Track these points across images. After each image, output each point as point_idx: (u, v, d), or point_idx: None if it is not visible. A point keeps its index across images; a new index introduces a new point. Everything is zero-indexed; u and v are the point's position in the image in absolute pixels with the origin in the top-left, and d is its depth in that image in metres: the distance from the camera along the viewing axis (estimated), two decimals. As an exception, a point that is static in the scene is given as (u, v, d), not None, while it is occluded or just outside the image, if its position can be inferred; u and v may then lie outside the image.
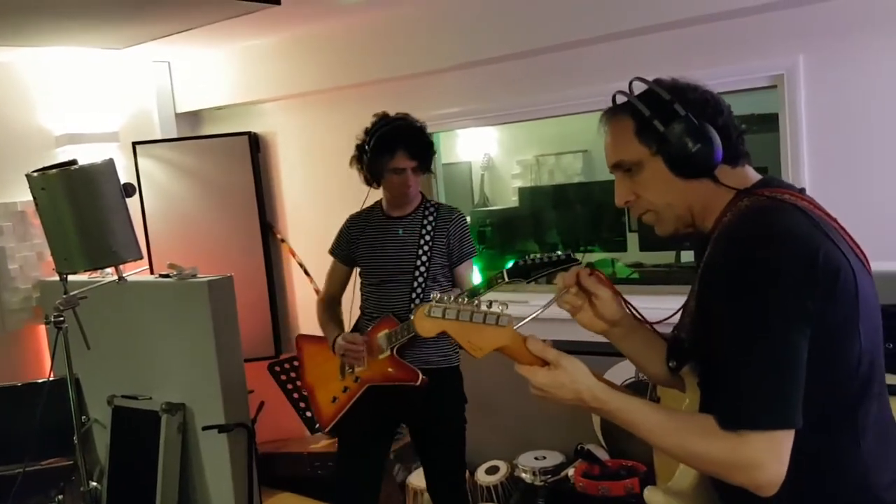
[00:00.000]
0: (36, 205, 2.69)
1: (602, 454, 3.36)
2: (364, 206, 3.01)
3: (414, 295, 2.78)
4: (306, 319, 4.81)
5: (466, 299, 1.28)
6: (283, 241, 4.84)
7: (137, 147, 4.64)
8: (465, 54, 3.78)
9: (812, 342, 1.16)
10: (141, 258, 2.82)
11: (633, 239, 4.53)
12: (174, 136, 4.86)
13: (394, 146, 2.72)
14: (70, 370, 2.78)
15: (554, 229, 4.96)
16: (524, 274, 2.51)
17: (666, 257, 4.62)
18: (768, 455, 1.15)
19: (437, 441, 2.91)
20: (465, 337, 1.27)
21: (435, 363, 2.81)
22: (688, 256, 4.57)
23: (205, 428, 3.34)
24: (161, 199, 4.70)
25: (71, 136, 4.44)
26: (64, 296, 2.71)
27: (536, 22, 3.52)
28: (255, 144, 4.75)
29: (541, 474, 3.55)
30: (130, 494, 3.55)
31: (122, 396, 3.70)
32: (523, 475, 3.61)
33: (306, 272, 4.71)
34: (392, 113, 2.87)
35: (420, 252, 2.78)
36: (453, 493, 2.96)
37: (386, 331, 2.78)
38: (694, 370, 1.36)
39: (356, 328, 2.94)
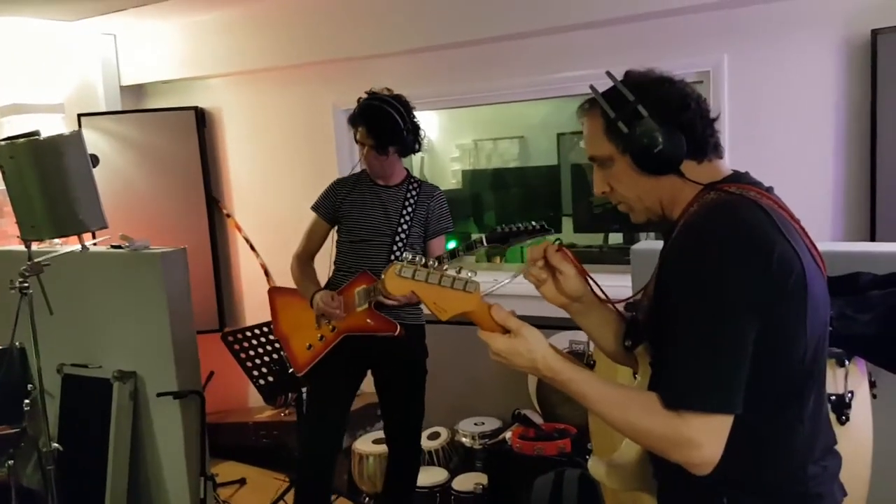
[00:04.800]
0: (3, 173, 2.74)
1: (537, 419, 3.61)
2: (353, 172, 3.20)
3: (392, 257, 2.98)
4: (251, 293, 4.91)
5: (437, 263, 1.34)
6: (228, 215, 4.91)
7: (83, 119, 4.63)
8: (411, 40, 3.93)
9: (760, 334, 1.22)
10: (106, 227, 2.89)
11: (567, 222, 4.81)
12: (118, 108, 4.86)
13: (357, 121, 2.96)
14: (35, 336, 2.84)
15: (493, 211, 5.17)
16: (503, 240, 2.72)
17: (596, 239, 4.91)
18: (706, 436, 1.21)
19: (400, 387, 3.11)
20: (431, 298, 1.32)
21: (404, 318, 3.00)
22: (615, 239, 4.87)
23: (159, 394, 3.42)
24: (105, 171, 4.67)
25: (16, 107, 4.41)
26: (29, 262, 2.77)
27: (479, 13, 3.71)
28: (201, 119, 4.80)
29: (479, 438, 3.79)
30: (81, 461, 3.60)
31: (72, 365, 3.74)
32: (463, 440, 3.85)
33: (252, 247, 4.81)
34: (395, 89, 3.07)
35: (402, 220, 2.99)
36: (410, 442, 3.17)
37: (364, 286, 2.95)
38: (648, 350, 1.44)
39: (330, 283, 3.09)
